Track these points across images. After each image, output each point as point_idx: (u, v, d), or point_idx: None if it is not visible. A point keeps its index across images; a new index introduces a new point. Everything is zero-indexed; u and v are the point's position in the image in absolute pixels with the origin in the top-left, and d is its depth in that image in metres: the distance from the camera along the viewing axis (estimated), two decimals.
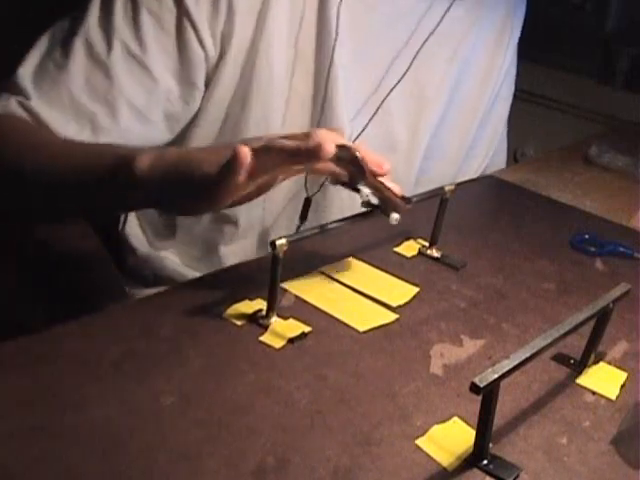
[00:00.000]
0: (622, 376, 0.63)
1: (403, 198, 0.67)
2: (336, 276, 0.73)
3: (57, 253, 0.88)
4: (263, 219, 0.92)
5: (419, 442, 0.53)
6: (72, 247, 0.87)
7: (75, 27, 0.76)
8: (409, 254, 0.80)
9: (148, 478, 0.47)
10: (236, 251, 0.92)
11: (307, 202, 0.91)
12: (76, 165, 0.69)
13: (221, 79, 0.82)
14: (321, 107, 0.86)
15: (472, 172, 1.10)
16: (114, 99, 0.76)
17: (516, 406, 0.57)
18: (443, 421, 0.55)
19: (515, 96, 1.13)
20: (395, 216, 0.65)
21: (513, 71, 1.10)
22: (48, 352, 0.57)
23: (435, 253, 0.79)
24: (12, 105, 0.73)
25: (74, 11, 0.78)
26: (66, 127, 0.74)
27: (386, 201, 0.66)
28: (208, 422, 0.52)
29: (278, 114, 0.85)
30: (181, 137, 0.85)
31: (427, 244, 0.80)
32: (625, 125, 1.54)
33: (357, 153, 0.62)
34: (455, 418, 0.55)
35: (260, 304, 0.65)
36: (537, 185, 1.05)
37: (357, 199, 0.67)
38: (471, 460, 0.51)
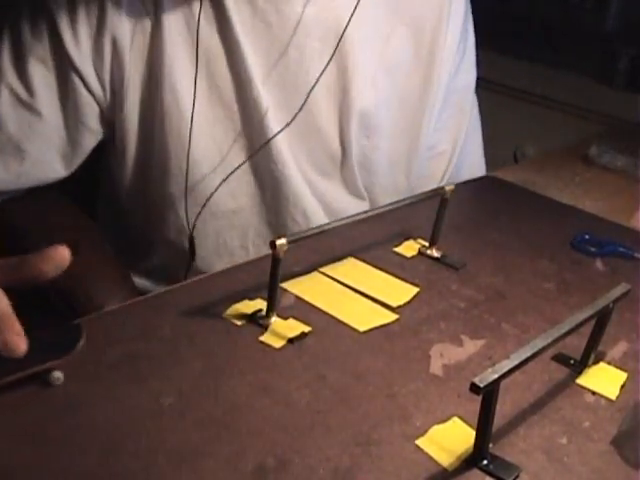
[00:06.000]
0: (622, 376, 0.63)
1: None
2: (336, 276, 0.73)
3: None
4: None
5: (419, 442, 0.53)
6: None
7: None
8: (409, 254, 0.80)
9: (148, 479, 0.47)
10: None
11: (192, 240, 0.89)
12: None
13: (127, 114, 0.82)
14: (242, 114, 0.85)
15: (439, 172, 1.03)
16: (3, 146, 0.77)
17: (516, 406, 0.57)
18: (443, 421, 0.55)
19: (515, 96, 1.12)
20: (57, 375, 0.54)
21: (471, 58, 1.00)
22: None
23: (435, 253, 0.79)
24: None
25: None
26: None
27: None
28: (208, 422, 0.52)
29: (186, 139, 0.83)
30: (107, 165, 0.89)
31: (427, 244, 0.80)
32: (625, 125, 1.54)
33: None
34: (455, 418, 0.55)
35: (260, 304, 0.65)
36: (537, 185, 1.05)
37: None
38: (471, 460, 0.51)
